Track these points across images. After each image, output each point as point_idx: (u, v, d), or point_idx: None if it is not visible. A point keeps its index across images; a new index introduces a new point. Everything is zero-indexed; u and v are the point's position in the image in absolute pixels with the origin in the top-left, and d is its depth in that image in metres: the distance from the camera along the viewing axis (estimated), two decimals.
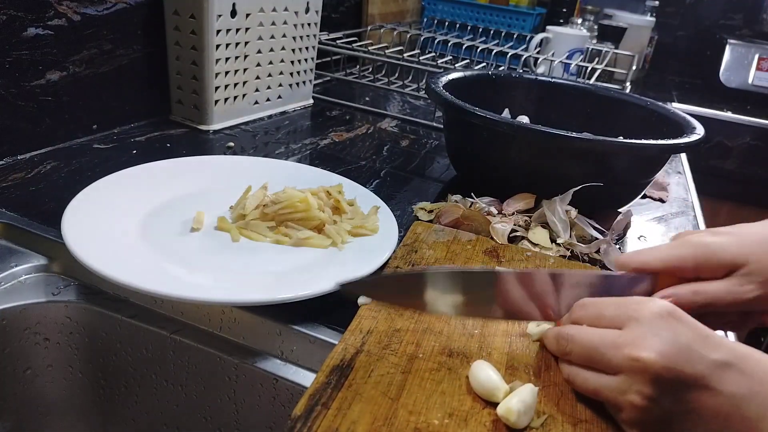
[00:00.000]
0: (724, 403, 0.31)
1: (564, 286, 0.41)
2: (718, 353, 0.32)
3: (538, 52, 1.25)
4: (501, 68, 1.12)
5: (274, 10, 0.86)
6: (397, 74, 1.17)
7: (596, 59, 1.28)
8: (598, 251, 0.60)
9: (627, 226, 0.66)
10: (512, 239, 0.60)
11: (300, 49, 0.95)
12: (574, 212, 0.62)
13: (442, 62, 1.06)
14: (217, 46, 0.79)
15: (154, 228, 0.53)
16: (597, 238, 0.61)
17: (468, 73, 0.80)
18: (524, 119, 0.79)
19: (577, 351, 0.37)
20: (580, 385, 0.37)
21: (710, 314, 0.41)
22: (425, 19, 1.59)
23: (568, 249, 0.60)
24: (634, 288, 0.42)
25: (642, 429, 0.33)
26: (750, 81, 1.64)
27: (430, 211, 0.65)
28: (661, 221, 0.74)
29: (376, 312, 0.44)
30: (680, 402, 0.32)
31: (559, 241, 0.60)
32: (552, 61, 1.15)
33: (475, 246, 0.56)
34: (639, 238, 0.68)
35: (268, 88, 0.92)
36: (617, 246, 0.62)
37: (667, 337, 0.32)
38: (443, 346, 0.41)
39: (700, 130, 0.65)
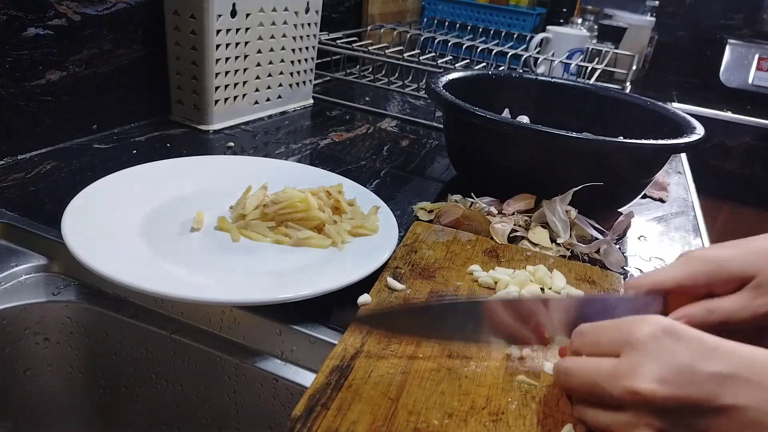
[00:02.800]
0: (741, 418, 0.29)
1: (569, 311, 0.40)
2: (721, 365, 0.29)
3: (538, 52, 1.25)
4: (501, 68, 1.12)
5: (274, 10, 0.86)
6: (397, 74, 1.17)
7: (596, 59, 1.28)
8: (598, 251, 0.60)
9: (627, 227, 0.66)
10: (512, 239, 0.60)
11: (300, 49, 0.95)
12: (574, 212, 0.62)
13: (442, 62, 1.06)
14: (217, 46, 0.79)
15: (154, 228, 0.53)
16: (597, 238, 0.61)
17: (468, 73, 0.80)
18: (524, 119, 0.79)
19: (577, 386, 0.35)
20: (592, 423, 0.34)
21: (725, 332, 0.38)
22: (425, 19, 1.59)
23: (568, 249, 0.60)
24: (645, 310, 0.40)
25: None
26: (750, 81, 1.64)
27: (430, 211, 0.65)
28: (661, 221, 0.74)
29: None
30: (695, 426, 0.30)
31: (559, 241, 0.60)
32: (552, 61, 1.15)
33: (475, 246, 0.56)
34: (639, 238, 0.68)
35: (268, 88, 0.92)
36: (617, 246, 0.62)
37: (665, 360, 0.30)
38: (443, 346, 0.41)
39: (700, 130, 0.65)
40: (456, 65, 1.07)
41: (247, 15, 0.82)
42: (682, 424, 0.30)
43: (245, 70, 0.86)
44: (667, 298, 0.41)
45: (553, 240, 0.60)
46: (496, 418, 0.35)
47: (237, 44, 0.82)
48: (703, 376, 0.29)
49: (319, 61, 1.06)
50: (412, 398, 0.36)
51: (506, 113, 0.78)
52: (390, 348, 0.40)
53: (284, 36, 0.91)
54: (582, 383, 0.34)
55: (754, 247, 0.40)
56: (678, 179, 0.90)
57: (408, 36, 1.28)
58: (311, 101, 1.04)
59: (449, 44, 1.24)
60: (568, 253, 0.59)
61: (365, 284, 0.48)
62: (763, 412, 0.27)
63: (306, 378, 0.45)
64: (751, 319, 0.38)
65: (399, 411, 0.35)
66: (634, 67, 1.36)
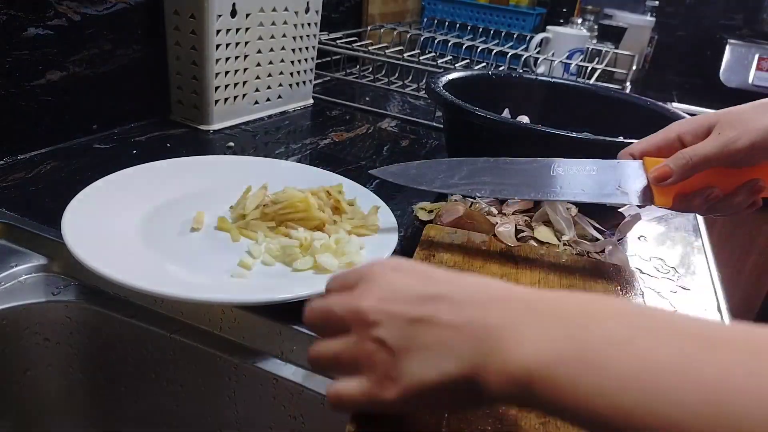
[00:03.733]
0: (436, 322, 0.31)
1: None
2: (433, 288, 0.33)
3: (538, 52, 1.25)
4: (501, 68, 1.12)
5: (274, 10, 0.86)
6: (397, 74, 1.17)
7: (596, 59, 1.28)
8: (602, 251, 0.60)
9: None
10: (519, 239, 0.60)
11: (300, 49, 0.95)
12: (574, 210, 0.62)
13: (442, 62, 1.06)
14: (217, 46, 0.79)
15: (154, 228, 0.53)
16: (597, 238, 0.61)
17: (468, 73, 0.80)
18: (524, 119, 0.79)
19: (313, 317, 0.37)
20: (325, 352, 0.35)
21: (719, 204, 0.49)
22: (425, 19, 1.59)
23: (573, 246, 0.60)
24: (627, 172, 0.51)
25: (383, 376, 0.32)
26: (750, 81, 1.64)
27: (430, 211, 0.65)
28: (661, 221, 0.74)
29: None
30: (406, 338, 0.32)
31: (564, 238, 0.60)
32: (552, 61, 1.15)
33: (489, 247, 0.56)
34: (639, 238, 0.68)
35: (268, 88, 0.92)
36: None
37: (386, 285, 0.34)
38: None
39: None
40: (456, 65, 1.07)
41: (247, 15, 0.82)
42: (393, 335, 0.32)
43: (245, 70, 0.86)
44: (645, 161, 0.50)
45: (557, 238, 0.60)
46: (545, 420, 0.36)
47: (237, 44, 0.82)
48: (414, 295, 0.33)
49: (319, 61, 1.06)
50: None
51: (506, 113, 0.78)
52: None
53: (284, 36, 0.91)
54: (318, 313, 0.36)
55: (719, 111, 0.49)
56: None
57: (408, 36, 1.28)
58: (311, 101, 1.04)
59: (449, 44, 1.24)
60: (574, 251, 0.59)
61: None
62: (454, 318, 0.31)
63: (306, 378, 0.45)
64: (720, 154, 0.46)
65: (450, 419, 0.35)
66: (634, 67, 1.36)
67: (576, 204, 0.62)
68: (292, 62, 0.95)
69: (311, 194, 0.56)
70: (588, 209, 0.63)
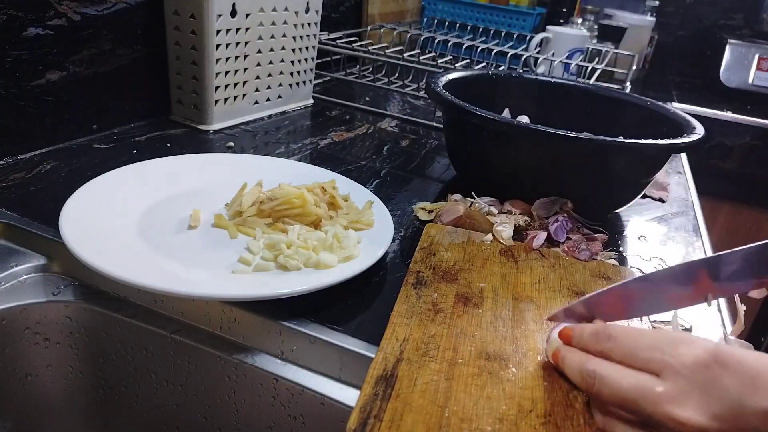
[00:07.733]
0: None
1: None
2: (766, 401, 0.29)
3: (538, 52, 1.25)
4: (501, 68, 1.12)
5: (274, 10, 0.86)
6: (397, 74, 1.17)
7: (596, 59, 1.28)
8: (598, 251, 0.60)
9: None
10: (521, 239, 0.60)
11: (300, 49, 0.95)
12: (569, 204, 0.62)
13: (442, 62, 1.06)
14: (217, 46, 0.79)
15: (152, 226, 0.53)
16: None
17: (468, 73, 0.80)
18: (524, 119, 0.79)
19: (607, 395, 0.33)
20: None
21: None
22: (425, 19, 1.59)
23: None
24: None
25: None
26: (750, 81, 1.64)
27: (430, 211, 0.65)
28: (661, 221, 0.74)
29: (408, 318, 0.44)
30: None
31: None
32: (552, 61, 1.15)
33: (490, 246, 0.56)
34: (639, 238, 0.68)
35: (268, 88, 0.92)
36: (620, 248, 0.62)
37: (715, 394, 0.29)
38: (479, 350, 0.41)
39: (700, 130, 0.65)
40: (456, 65, 1.07)
41: (247, 15, 0.82)
42: None
43: (245, 70, 0.86)
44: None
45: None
46: (545, 420, 0.36)
47: (237, 44, 0.82)
48: (750, 411, 0.29)
49: (319, 61, 1.06)
50: (461, 405, 0.36)
51: (506, 113, 0.78)
52: (429, 354, 0.40)
53: (284, 36, 0.91)
54: (617, 396, 0.33)
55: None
56: (678, 179, 0.90)
57: (408, 36, 1.27)
58: (311, 101, 1.04)
59: (449, 44, 1.24)
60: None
61: (363, 281, 0.48)
62: None
63: (306, 378, 0.45)
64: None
65: (450, 419, 0.35)
66: (634, 67, 1.36)
67: (571, 200, 0.62)
68: (292, 62, 0.95)
69: (306, 190, 0.56)
70: (589, 210, 0.63)
